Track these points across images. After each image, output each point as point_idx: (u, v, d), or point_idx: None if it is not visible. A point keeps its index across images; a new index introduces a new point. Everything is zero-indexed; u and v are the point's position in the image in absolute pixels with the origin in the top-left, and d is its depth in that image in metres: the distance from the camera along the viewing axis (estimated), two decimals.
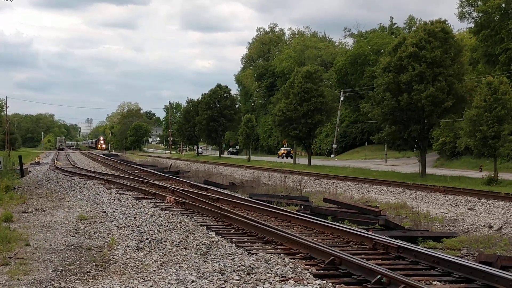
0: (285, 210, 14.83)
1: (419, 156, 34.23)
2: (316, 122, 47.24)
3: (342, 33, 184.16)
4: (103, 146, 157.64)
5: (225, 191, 22.59)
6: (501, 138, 27.45)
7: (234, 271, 7.65)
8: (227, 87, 77.56)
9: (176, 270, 8.37)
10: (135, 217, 14.56)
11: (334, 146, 70.96)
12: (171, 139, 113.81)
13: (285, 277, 7.26)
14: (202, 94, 79.47)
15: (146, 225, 13.24)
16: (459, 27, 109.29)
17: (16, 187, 26.31)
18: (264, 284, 6.96)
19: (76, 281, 8.91)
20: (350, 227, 12.31)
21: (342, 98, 69.27)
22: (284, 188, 29.86)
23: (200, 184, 25.20)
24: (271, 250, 9.50)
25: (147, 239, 11.71)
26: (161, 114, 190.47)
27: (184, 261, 9.14)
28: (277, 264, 7.97)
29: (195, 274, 7.78)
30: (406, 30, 76.89)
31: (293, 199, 22.16)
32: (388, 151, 58.57)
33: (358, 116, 76.48)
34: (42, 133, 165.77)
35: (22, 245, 11.71)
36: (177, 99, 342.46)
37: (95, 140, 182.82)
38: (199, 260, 8.89)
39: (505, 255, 11.84)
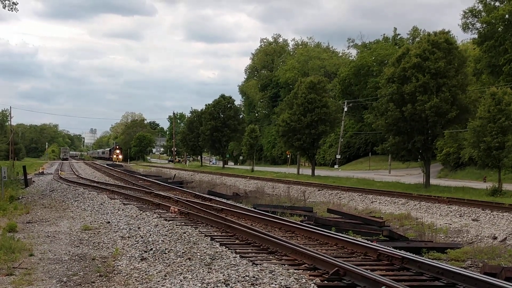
0: (289, 221, 14.83)
1: (423, 166, 34.16)
2: (320, 133, 47.22)
3: (346, 44, 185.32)
4: (120, 157, 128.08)
5: (229, 202, 22.59)
6: (505, 149, 27.40)
7: (238, 281, 7.65)
8: (231, 97, 77.68)
9: (180, 281, 8.37)
10: (139, 228, 14.57)
11: (338, 156, 70.91)
12: (175, 149, 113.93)
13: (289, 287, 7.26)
14: (206, 105, 79.57)
15: (150, 235, 13.24)
16: (462, 37, 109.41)
17: (20, 197, 26.39)
18: None
19: None
20: (354, 238, 12.30)
21: (345, 109, 69.27)
22: (288, 198, 29.85)
23: (204, 195, 25.20)
24: (275, 260, 9.49)
25: (151, 249, 11.71)
26: (164, 124, 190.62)
27: (188, 271, 9.13)
28: (281, 274, 7.96)
29: (199, 284, 7.78)
30: (410, 41, 76.96)
31: (297, 210, 22.16)
32: (392, 162, 58.47)
33: (362, 127, 76.49)
34: (46, 143, 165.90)
35: (27, 255, 11.72)
36: (181, 109, 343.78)
37: (108, 149, 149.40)
38: (203, 271, 8.88)
39: (509, 266, 11.80)
